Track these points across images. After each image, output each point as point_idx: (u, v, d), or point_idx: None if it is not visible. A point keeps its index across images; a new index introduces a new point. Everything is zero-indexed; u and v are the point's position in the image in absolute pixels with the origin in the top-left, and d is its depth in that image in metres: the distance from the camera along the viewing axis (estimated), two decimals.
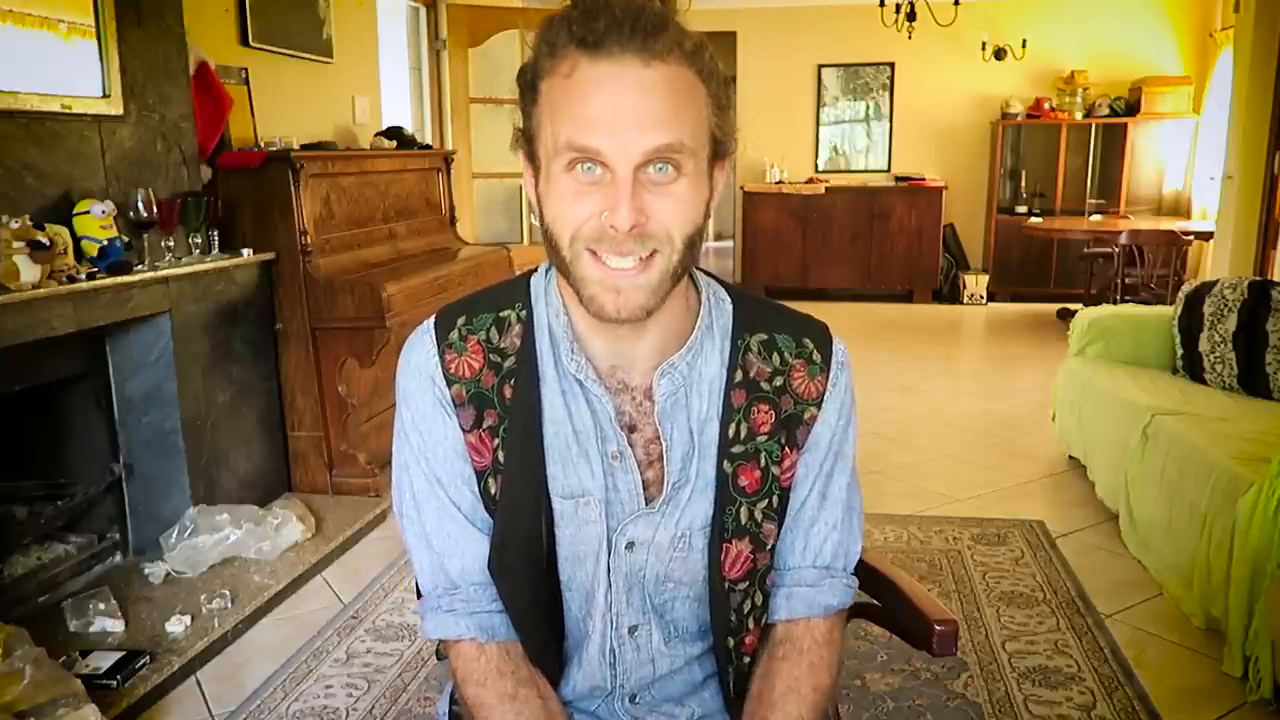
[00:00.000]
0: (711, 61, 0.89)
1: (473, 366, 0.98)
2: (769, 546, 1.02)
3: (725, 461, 0.98)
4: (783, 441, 1.00)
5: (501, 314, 0.99)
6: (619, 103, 0.84)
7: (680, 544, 1.00)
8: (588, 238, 0.87)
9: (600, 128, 0.84)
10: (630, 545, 0.99)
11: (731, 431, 0.98)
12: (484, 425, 0.98)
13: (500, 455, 0.98)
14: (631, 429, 0.98)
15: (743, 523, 0.99)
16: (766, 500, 1.00)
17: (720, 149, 0.92)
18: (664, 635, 1.04)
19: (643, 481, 0.98)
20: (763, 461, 0.99)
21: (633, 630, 1.03)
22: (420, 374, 0.99)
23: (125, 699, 2.12)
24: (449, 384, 0.98)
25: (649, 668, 1.05)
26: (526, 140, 0.92)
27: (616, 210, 0.85)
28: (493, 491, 0.99)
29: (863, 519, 1.11)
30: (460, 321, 0.99)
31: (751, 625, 1.03)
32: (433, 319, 1.01)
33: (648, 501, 0.98)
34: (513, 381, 0.97)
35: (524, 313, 0.99)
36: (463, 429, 0.98)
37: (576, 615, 1.03)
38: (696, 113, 0.87)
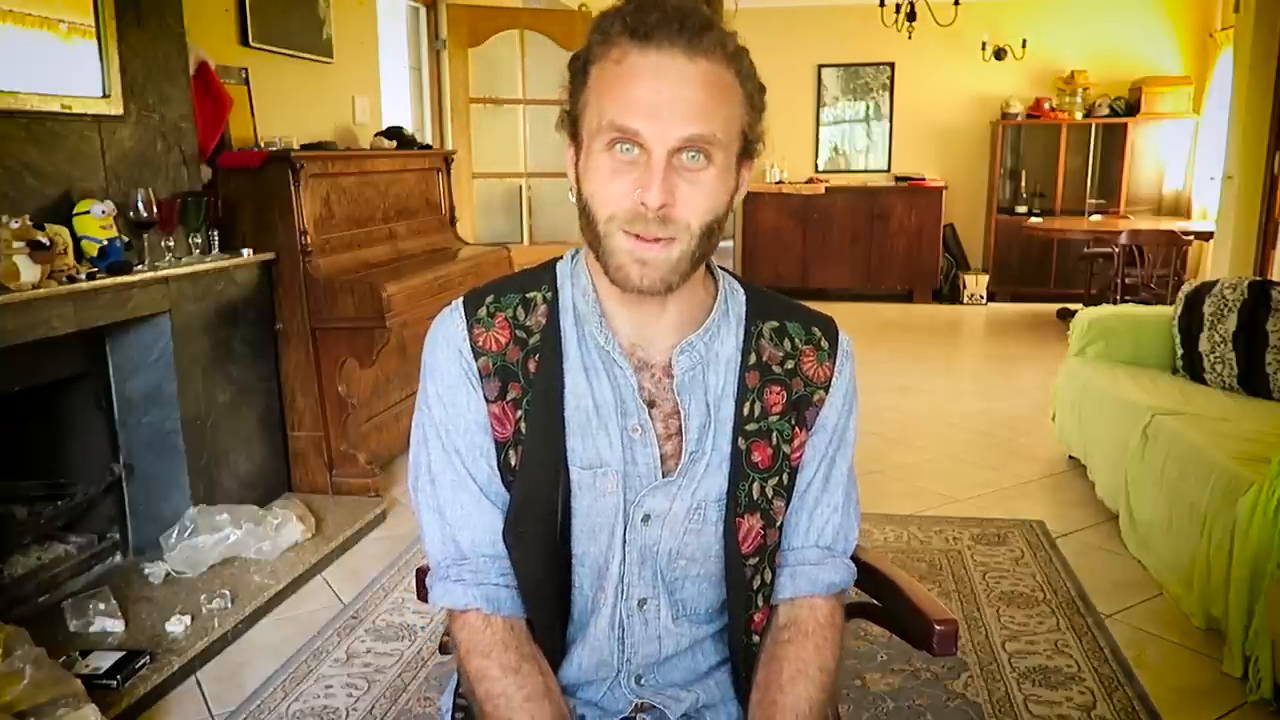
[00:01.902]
0: (750, 67, 0.96)
1: (499, 341, 1.02)
2: (778, 523, 1.06)
3: (740, 438, 1.03)
4: (793, 422, 1.05)
5: (528, 295, 1.04)
6: (661, 90, 0.90)
7: (695, 516, 1.03)
8: (623, 219, 0.93)
9: (642, 111, 0.90)
10: (646, 518, 1.02)
11: (746, 410, 1.03)
12: (508, 397, 1.01)
13: (522, 427, 1.01)
14: (650, 404, 1.02)
15: (755, 498, 1.03)
16: (777, 478, 1.04)
17: (749, 148, 0.98)
18: (673, 612, 1.06)
19: (660, 455, 1.02)
20: (774, 440, 1.04)
21: (642, 604, 1.05)
22: (449, 346, 1.03)
23: (125, 699, 2.12)
24: (476, 356, 1.02)
25: (656, 645, 1.07)
26: (571, 120, 0.98)
27: (649, 189, 0.91)
28: (512, 463, 1.02)
29: (859, 508, 1.15)
30: (489, 300, 1.04)
31: (760, 603, 1.07)
32: (461, 298, 1.06)
33: (665, 475, 1.02)
34: (537, 357, 1.01)
35: (549, 294, 1.04)
36: (487, 399, 1.02)
37: (586, 592, 1.05)
38: (731, 110, 0.94)
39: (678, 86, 0.90)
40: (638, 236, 0.93)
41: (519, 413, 1.01)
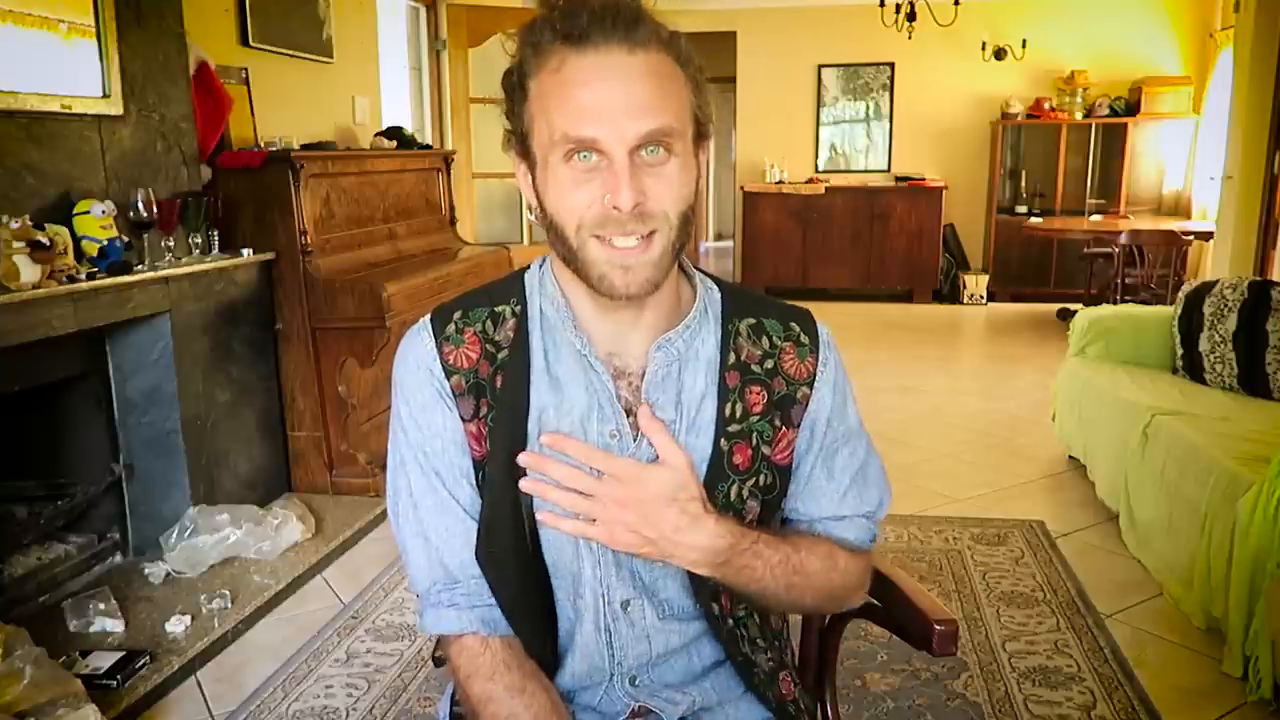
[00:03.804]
0: (687, 47, 0.94)
1: (470, 357, 1.01)
2: (748, 521, 1.03)
3: (722, 439, 1.01)
4: (776, 422, 1.03)
5: (496, 308, 1.03)
6: (609, 91, 0.89)
7: None
8: (592, 224, 0.92)
9: (594, 117, 0.89)
10: None
11: (728, 410, 1.01)
12: (481, 414, 1.00)
13: (489, 444, 0.99)
14: (628, 411, 1.00)
15: (730, 499, 1.01)
16: (754, 479, 1.03)
17: (702, 129, 0.97)
18: (657, 612, 1.05)
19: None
20: (754, 441, 1.02)
21: (625, 605, 1.03)
22: (419, 367, 1.01)
23: (125, 699, 2.12)
24: (448, 375, 1.00)
25: (645, 644, 1.05)
26: (519, 139, 0.96)
27: (618, 193, 0.89)
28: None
29: (883, 473, 1.13)
30: (456, 316, 1.03)
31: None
32: (428, 315, 1.04)
33: None
34: (505, 372, 1.00)
35: (518, 307, 1.02)
36: (463, 419, 1.00)
37: (565, 600, 1.04)
38: (680, 96, 0.93)
39: (624, 84, 0.89)
40: (615, 246, 0.91)
41: (489, 429, 0.99)
